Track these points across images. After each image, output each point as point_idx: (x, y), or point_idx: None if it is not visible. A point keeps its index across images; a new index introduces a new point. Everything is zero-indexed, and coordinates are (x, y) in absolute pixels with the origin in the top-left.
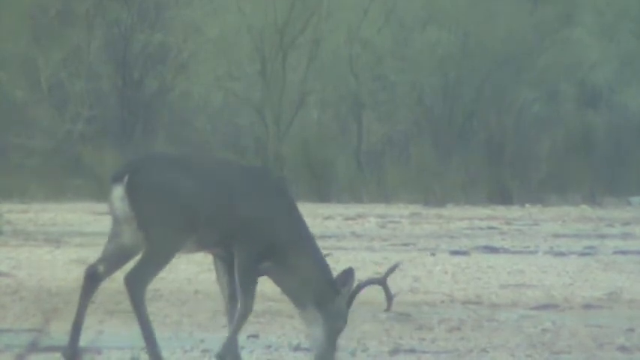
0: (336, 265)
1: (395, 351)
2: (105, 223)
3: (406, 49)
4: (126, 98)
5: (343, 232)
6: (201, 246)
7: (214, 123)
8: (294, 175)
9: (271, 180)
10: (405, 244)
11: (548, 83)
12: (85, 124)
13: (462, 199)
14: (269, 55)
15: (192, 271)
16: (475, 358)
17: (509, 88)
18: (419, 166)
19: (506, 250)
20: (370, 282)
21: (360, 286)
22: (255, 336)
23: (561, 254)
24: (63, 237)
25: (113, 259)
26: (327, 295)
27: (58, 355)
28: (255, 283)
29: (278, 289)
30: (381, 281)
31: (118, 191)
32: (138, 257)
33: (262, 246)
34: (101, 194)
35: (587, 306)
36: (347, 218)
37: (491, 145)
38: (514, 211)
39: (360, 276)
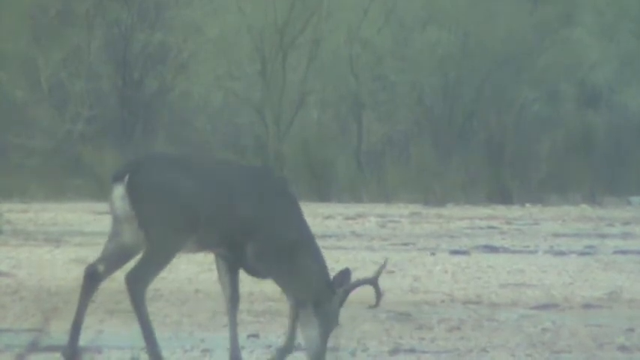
0: (336, 264)
1: (395, 351)
2: (105, 223)
3: (406, 49)
4: (126, 98)
5: (343, 232)
6: (204, 246)
7: (214, 123)
8: (294, 175)
9: (272, 180)
10: (405, 244)
11: (548, 83)
12: (85, 124)
13: (462, 198)
14: (269, 55)
15: (193, 271)
16: (475, 358)
17: (509, 88)
18: (419, 166)
19: (506, 250)
20: (361, 282)
21: (352, 287)
22: (255, 336)
23: (561, 254)
24: (63, 237)
25: (113, 258)
26: (324, 296)
27: (57, 354)
28: None
29: (278, 289)
30: (372, 281)
31: (119, 190)
32: (138, 257)
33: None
34: (101, 194)
35: (587, 305)
36: (347, 218)
37: (491, 145)
38: (514, 211)
39: (360, 276)
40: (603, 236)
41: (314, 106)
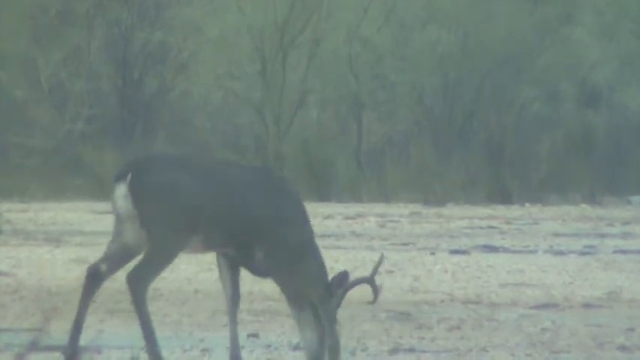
0: (335, 264)
1: (395, 350)
2: (105, 223)
3: (406, 49)
4: (126, 98)
5: (343, 232)
6: (210, 246)
7: (214, 123)
8: (294, 174)
9: (273, 180)
10: (405, 244)
11: (548, 83)
12: (85, 123)
13: (461, 198)
14: (269, 55)
15: (193, 271)
16: (475, 358)
17: (509, 87)
18: (419, 166)
19: (506, 250)
20: (358, 281)
21: (349, 286)
22: (255, 335)
23: (561, 253)
24: (63, 236)
25: (115, 258)
26: (323, 297)
27: (58, 354)
28: None
29: (278, 289)
30: (369, 280)
31: (121, 189)
32: (140, 256)
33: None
34: (101, 194)
35: (587, 305)
36: (347, 217)
37: (491, 145)
38: (514, 211)
39: (359, 276)
40: (603, 236)
41: (314, 106)
